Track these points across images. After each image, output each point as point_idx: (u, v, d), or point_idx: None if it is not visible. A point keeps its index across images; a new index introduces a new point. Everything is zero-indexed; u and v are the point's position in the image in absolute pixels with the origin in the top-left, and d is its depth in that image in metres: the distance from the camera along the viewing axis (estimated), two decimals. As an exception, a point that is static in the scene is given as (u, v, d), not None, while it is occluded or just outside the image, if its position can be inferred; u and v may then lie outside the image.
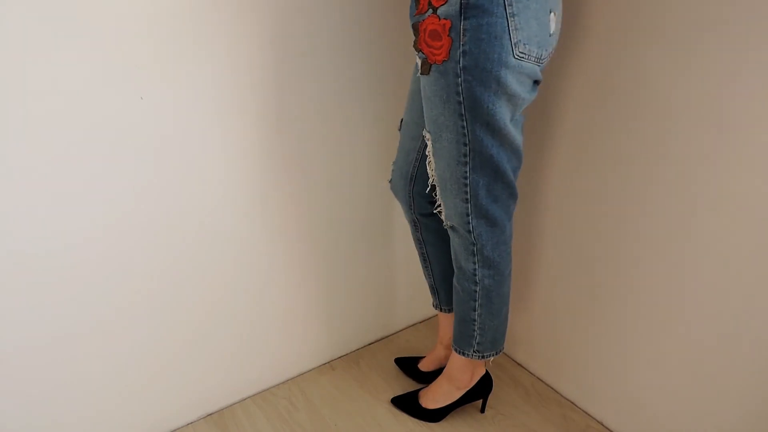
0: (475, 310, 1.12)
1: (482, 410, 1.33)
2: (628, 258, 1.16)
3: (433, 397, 1.30)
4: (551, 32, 0.87)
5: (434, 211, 1.13)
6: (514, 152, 0.97)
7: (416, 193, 1.17)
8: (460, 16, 0.80)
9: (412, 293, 1.61)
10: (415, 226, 1.24)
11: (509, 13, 0.79)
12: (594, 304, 1.27)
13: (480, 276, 1.07)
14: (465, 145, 0.91)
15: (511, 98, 0.87)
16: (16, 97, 0.84)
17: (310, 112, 1.18)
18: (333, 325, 1.47)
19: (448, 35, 0.81)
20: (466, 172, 0.94)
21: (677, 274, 1.08)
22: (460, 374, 1.24)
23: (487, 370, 1.28)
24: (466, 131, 0.89)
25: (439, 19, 0.81)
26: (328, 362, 1.51)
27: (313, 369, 1.48)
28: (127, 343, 1.12)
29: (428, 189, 1.11)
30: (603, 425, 1.32)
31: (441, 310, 1.34)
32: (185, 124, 1.02)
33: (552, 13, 0.85)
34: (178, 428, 1.28)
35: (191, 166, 1.06)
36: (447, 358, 1.35)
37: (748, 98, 0.90)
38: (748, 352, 1.00)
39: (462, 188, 0.96)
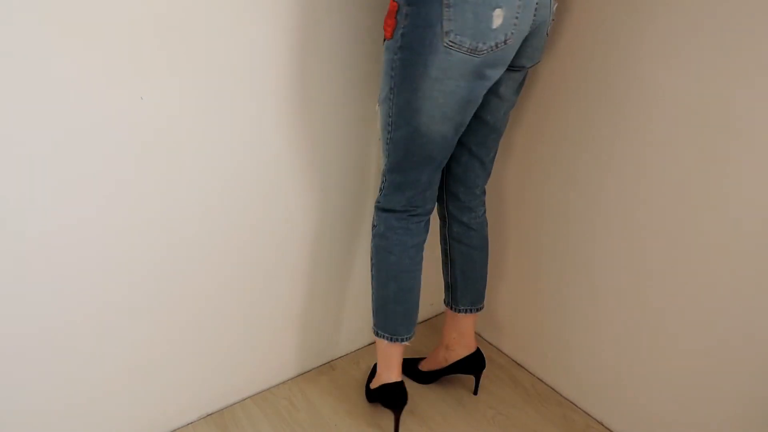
0: (371, 271, 1.18)
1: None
2: (626, 258, 1.16)
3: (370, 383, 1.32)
4: (494, 27, 0.90)
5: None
6: (432, 139, 1.02)
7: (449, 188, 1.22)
8: (406, 2, 0.91)
9: (412, 293, 1.61)
10: (444, 221, 1.27)
11: (444, 4, 0.87)
12: (594, 305, 1.27)
13: (374, 233, 1.15)
14: (389, 116, 1.02)
15: (436, 83, 0.94)
16: (16, 97, 0.84)
17: (316, 113, 1.18)
18: (333, 325, 1.47)
19: (395, 17, 0.92)
20: (388, 139, 1.05)
21: (677, 274, 1.08)
22: (377, 353, 1.25)
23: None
24: (392, 104, 1.00)
25: (394, 2, 0.92)
26: (328, 362, 1.51)
27: (313, 369, 1.48)
28: (127, 343, 1.12)
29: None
30: (603, 425, 1.32)
31: (451, 308, 1.34)
32: (186, 124, 1.02)
33: (498, 9, 0.89)
34: (178, 428, 1.28)
35: (190, 167, 1.06)
36: (447, 359, 1.36)
37: (732, 97, 0.90)
38: (747, 352, 1.00)
39: (384, 150, 1.08)
